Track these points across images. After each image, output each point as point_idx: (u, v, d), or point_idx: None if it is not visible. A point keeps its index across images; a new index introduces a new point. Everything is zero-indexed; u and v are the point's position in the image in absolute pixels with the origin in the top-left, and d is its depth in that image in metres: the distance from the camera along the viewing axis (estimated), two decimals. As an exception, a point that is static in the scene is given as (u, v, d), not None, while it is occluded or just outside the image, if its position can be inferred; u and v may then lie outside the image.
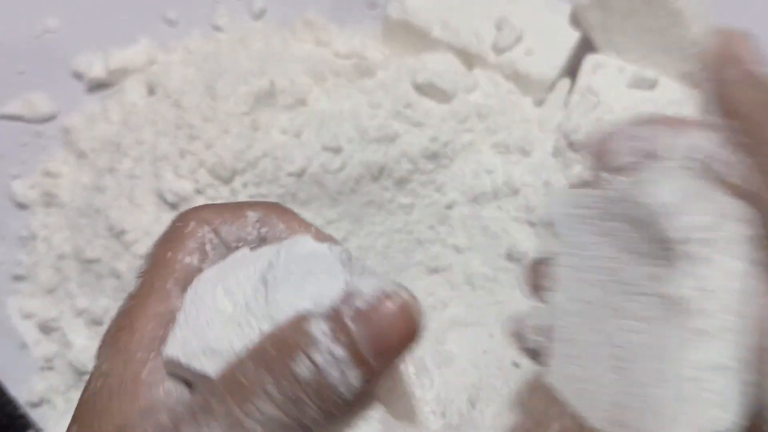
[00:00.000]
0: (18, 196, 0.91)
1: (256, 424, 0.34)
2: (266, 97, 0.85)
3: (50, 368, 0.86)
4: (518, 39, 0.92)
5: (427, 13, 0.93)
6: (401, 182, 0.87)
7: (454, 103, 0.89)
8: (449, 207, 0.89)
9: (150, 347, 0.39)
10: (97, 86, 0.97)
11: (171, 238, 0.43)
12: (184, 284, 0.41)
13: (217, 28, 1.01)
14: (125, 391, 0.38)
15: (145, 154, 0.85)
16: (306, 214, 0.84)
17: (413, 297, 0.36)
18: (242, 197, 0.82)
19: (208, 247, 0.42)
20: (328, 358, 0.34)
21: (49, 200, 0.90)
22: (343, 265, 0.38)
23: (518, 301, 0.82)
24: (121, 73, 0.95)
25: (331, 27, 1.00)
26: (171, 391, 0.38)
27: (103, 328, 0.83)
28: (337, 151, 0.84)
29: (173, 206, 0.82)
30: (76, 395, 0.83)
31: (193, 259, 0.41)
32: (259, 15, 1.02)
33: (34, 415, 0.84)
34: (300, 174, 0.83)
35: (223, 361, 0.36)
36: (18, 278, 0.88)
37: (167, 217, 0.82)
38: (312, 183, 0.84)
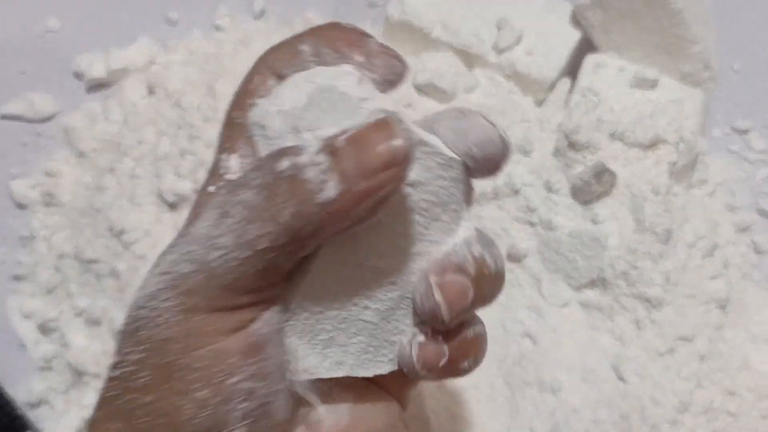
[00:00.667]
0: (18, 196, 0.90)
1: (237, 210, 0.38)
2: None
3: (49, 369, 0.85)
4: (518, 39, 0.91)
5: (428, 13, 0.93)
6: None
7: (455, 102, 0.89)
8: (449, 207, 0.88)
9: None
10: (98, 86, 0.97)
11: (238, 98, 0.46)
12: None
13: (218, 28, 1.01)
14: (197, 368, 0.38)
15: (146, 154, 0.85)
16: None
17: (405, 127, 0.38)
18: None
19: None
20: (309, 160, 0.37)
21: (49, 200, 0.90)
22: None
23: (519, 300, 0.82)
24: (121, 73, 0.95)
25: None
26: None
27: (103, 329, 0.83)
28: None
29: (173, 206, 0.82)
30: (75, 396, 0.83)
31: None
32: (259, 15, 1.02)
33: (33, 415, 0.84)
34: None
35: None
36: (17, 278, 0.88)
37: (167, 217, 0.82)
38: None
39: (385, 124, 0.37)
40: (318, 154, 0.37)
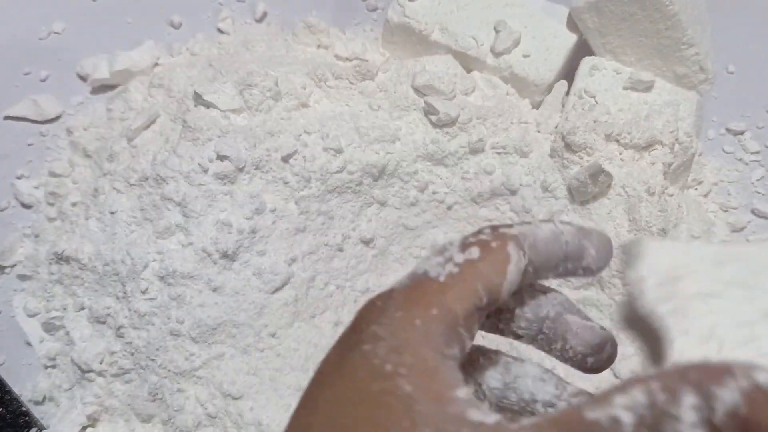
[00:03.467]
0: (23, 195, 0.90)
1: None
2: (268, 99, 0.84)
3: (54, 366, 0.85)
4: (516, 42, 0.91)
5: (427, 17, 0.93)
6: (401, 183, 0.87)
7: (455, 102, 0.88)
8: (449, 207, 0.88)
9: (446, 342, 0.37)
10: (102, 88, 0.97)
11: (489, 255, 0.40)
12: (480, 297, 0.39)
13: (221, 31, 1.01)
14: (420, 375, 0.35)
15: (149, 155, 0.85)
16: (308, 213, 0.84)
17: None
18: (244, 196, 0.81)
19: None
20: None
21: (54, 200, 0.90)
22: None
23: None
24: (125, 75, 0.95)
25: (332, 30, 1.00)
26: (466, 396, 0.35)
27: (106, 327, 0.83)
28: (338, 151, 0.84)
29: (178, 204, 0.82)
30: (79, 393, 0.83)
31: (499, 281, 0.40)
32: (261, 18, 1.02)
33: (38, 412, 0.84)
34: (302, 174, 0.83)
35: None
36: (23, 277, 0.88)
37: (170, 215, 0.82)
38: (313, 183, 0.83)
39: None
40: (695, 430, 0.30)
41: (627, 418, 0.30)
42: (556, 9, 0.94)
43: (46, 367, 0.85)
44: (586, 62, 0.92)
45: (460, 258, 0.39)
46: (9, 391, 0.83)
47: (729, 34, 0.99)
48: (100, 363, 0.82)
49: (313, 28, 0.98)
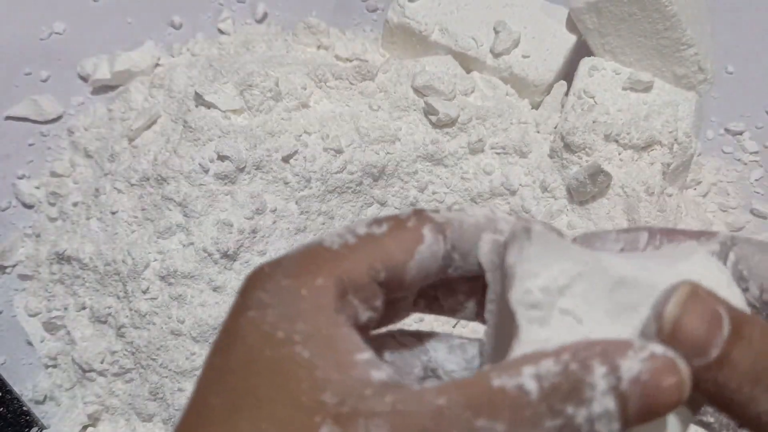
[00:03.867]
0: (24, 195, 0.91)
1: None
2: (269, 100, 0.85)
3: (55, 366, 0.86)
4: (516, 42, 0.91)
5: (426, 17, 0.93)
6: (401, 183, 0.87)
7: (455, 102, 0.88)
8: (449, 207, 0.88)
9: (341, 306, 0.36)
10: (103, 88, 0.97)
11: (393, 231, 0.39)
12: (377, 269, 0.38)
13: (221, 32, 1.01)
14: (317, 342, 0.35)
15: (150, 155, 0.85)
16: (308, 213, 0.84)
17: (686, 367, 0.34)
18: (245, 196, 0.81)
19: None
20: (601, 410, 0.33)
21: (55, 200, 0.90)
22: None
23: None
24: (126, 75, 0.95)
25: (332, 31, 1.00)
26: (369, 358, 0.35)
27: (107, 327, 0.83)
28: (338, 152, 0.84)
29: (179, 204, 0.82)
30: (80, 392, 0.83)
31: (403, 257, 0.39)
32: (261, 19, 1.02)
33: (39, 412, 0.84)
34: (302, 174, 0.83)
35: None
36: (24, 277, 0.88)
37: (172, 215, 0.82)
38: (314, 183, 0.83)
39: (672, 367, 0.33)
40: (605, 397, 0.33)
41: (533, 386, 0.32)
42: (555, 9, 0.94)
43: (47, 367, 0.86)
44: (586, 63, 0.91)
45: (362, 230, 0.38)
46: (10, 391, 0.83)
47: (728, 35, 0.99)
48: (101, 362, 0.82)
49: (314, 28, 0.98)
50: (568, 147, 0.85)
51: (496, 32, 0.92)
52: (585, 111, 0.87)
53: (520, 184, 0.87)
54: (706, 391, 0.34)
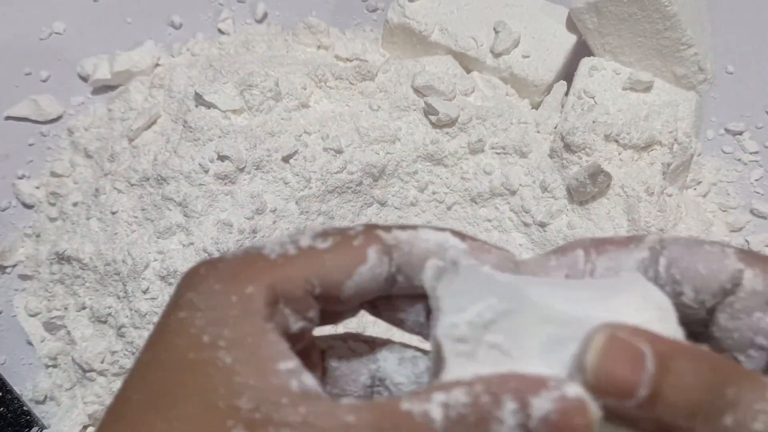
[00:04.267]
0: (24, 195, 0.90)
1: None
2: (269, 100, 0.84)
3: (55, 366, 0.85)
4: (516, 42, 0.91)
5: (426, 17, 0.93)
6: (401, 183, 0.87)
7: (455, 102, 0.88)
8: (449, 207, 0.88)
9: (269, 314, 0.36)
10: (103, 88, 0.97)
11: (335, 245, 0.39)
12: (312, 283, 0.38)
13: (221, 32, 1.01)
14: (240, 348, 0.35)
15: (150, 155, 0.85)
16: (308, 213, 0.84)
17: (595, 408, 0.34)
18: (245, 196, 0.81)
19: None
20: None
21: (55, 200, 0.90)
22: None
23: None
24: (126, 75, 0.95)
25: (332, 31, 1.00)
26: (292, 368, 0.35)
27: (107, 327, 0.83)
28: (338, 152, 0.84)
29: (179, 204, 0.82)
30: (80, 392, 0.83)
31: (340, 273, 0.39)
32: (261, 19, 1.02)
33: (39, 412, 0.84)
34: (302, 174, 0.83)
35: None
36: (24, 277, 0.88)
37: (171, 215, 0.82)
38: (314, 183, 0.83)
39: (581, 409, 0.34)
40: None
41: (438, 414, 0.33)
42: (555, 9, 0.94)
43: (47, 367, 0.85)
44: (585, 63, 0.91)
45: (306, 242, 0.38)
46: (10, 391, 0.83)
47: (728, 35, 0.99)
48: (101, 362, 0.82)
49: (314, 28, 0.98)
50: (568, 147, 0.85)
51: (496, 32, 0.91)
52: (585, 111, 0.86)
53: (520, 184, 0.87)
54: (649, 426, 0.34)
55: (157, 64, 0.97)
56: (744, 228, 0.92)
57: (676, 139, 0.86)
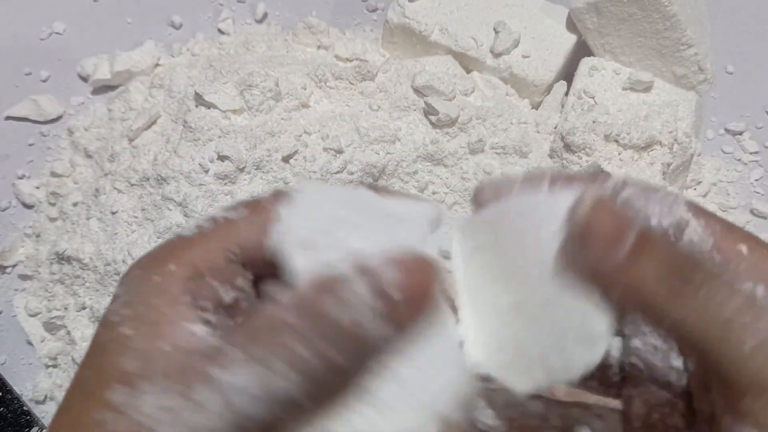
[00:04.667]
0: (24, 195, 0.90)
1: (286, 365, 0.34)
2: (269, 100, 0.84)
3: (55, 366, 0.85)
4: (515, 43, 0.91)
5: (427, 17, 0.92)
6: (401, 183, 0.87)
7: (455, 102, 0.88)
8: (449, 207, 0.88)
9: (186, 296, 0.38)
10: (103, 88, 0.96)
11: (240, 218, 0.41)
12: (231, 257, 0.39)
13: (221, 32, 1.01)
14: (146, 321, 0.36)
15: (150, 155, 0.85)
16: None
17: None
18: (245, 196, 0.81)
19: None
20: (366, 310, 0.34)
21: (55, 200, 0.90)
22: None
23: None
24: (126, 75, 0.95)
25: (332, 31, 0.99)
26: (195, 332, 0.36)
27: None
28: (338, 152, 0.83)
29: (179, 204, 0.82)
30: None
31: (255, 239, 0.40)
32: (261, 19, 1.02)
33: (39, 412, 0.83)
34: (302, 174, 0.82)
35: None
36: (24, 277, 0.88)
37: (170, 215, 0.82)
38: (313, 183, 0.83)
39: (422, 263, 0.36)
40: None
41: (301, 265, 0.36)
42: (555, 9, 0.94)
43: (47, 367, 0.85)
44: (585, 63, 0.91)
45: (220, 216, 0.40)
46: (10, 391, 0.83)
47: (728, 35, 0.98)
48: (101, 363, 0.82)
49: (314, 28, 0.97)
50: (568, 147, 0.84)
51: (496, 32, 0.91)
52: (585, 111, 0.86)
53: (521, 184, 0.86)
54: (618, 297, 0.35)
55: (158, 64, 0.96)
56: (744, 228, 0.91)
57: (676, 139, 0.85)
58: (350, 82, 0.89)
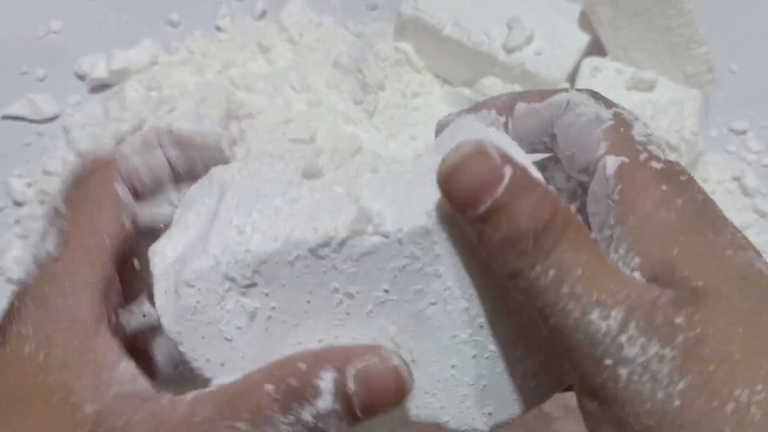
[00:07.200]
0: (16, 193, 0.84)
1: None
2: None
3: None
4: (529, 39, 0.85)
5: (440, 11, 0.87)
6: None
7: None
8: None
9: (96, 319, 0.36)
10: (100, 87, 0.91)
11: (83, 197, 0.39)
12: (108, 250, 0.38)
13: (219, 29, 0.95)
14: (73, 364, 0.35)
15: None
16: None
17: (403, 361, 0.36)
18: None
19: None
20: (328, 410, 0.35)
21: (44, 197, 0.83)
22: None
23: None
24: (123, 74, 0.90)
25: (331, 30, 0.96)
26: (127, 372, 0.35)
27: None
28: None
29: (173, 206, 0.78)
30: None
31: (111, 216, 0.39)
32: (260, 16, 0.96)
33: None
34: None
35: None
36: (12, 281, 0.82)
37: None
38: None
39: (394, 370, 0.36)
40: (334, 403, 0.35)
41: (271, 389, 0.35)
42: (568, 7, 0.89)
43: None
44: (587, 63, 0.86)
45: (63, 209, 0.38)
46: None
47: (732, 33, 0.93)
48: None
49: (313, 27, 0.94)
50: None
51: (509, 28, 0.85)
52: (588, 111, 0.84)
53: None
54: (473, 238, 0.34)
55: (155, 63, 0.91)
56: (749, 228, 0.87)
57: (683, 138, 0.81)
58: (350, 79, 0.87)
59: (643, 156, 0.36)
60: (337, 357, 0.35)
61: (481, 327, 0.38)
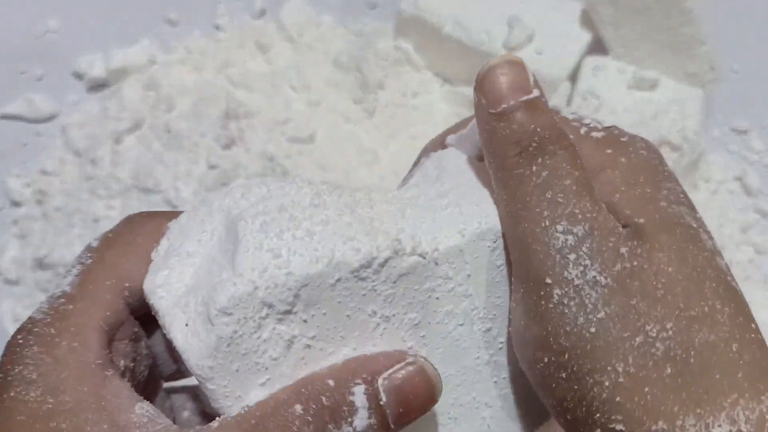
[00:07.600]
0: (13, 193, 0.84)
1: None
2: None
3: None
4: (529, 38, 0.84)
5: (440, 9, 0.86)
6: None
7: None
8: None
9: (103, 363, 0.34)
10: (98, 86, 0.90)
11: (118, 239, 0.38)
12: (125, 295, 0.36)
13: (218, 28, 0.94)
14: (86, 410, 0.33)
15: (144, 154, 0.82)
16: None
17: (432, 366, 0.35)
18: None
19: (153, 254, 0.37)
20: (365, 426, 0.33)
21: (41, 197, 0.83)
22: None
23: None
24: (121, 73, 0.89)
25: (331, 29, 0.95)
26: (144, 415, 0.33)
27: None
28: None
29: (172, 206, 0.78)
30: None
31: (139, 265, 0.37)
32: (259, 15, 0.95)
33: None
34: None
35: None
36: (10, 282, 0.82)
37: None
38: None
39: (421, 372, 0.36)
40: (370, 418, 0.34)
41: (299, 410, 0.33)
42: (570, 6, 0.88)
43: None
44: (589, 63, 0.85)
45: (95, 244, 0.37)
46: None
47: (734, 31, 0.92)
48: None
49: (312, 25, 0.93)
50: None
51: (510, 27, 0.85)
52: (591, 111, 0.80)
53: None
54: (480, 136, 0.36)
55: (153, 62, 0.90)
56: (751, 228, 0.86)
57: (685, 137, 0.80)
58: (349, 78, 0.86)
59: (583, 130, 0.38)
60: (364, 369, 0.34)
61: (500, 348, 0.38)
